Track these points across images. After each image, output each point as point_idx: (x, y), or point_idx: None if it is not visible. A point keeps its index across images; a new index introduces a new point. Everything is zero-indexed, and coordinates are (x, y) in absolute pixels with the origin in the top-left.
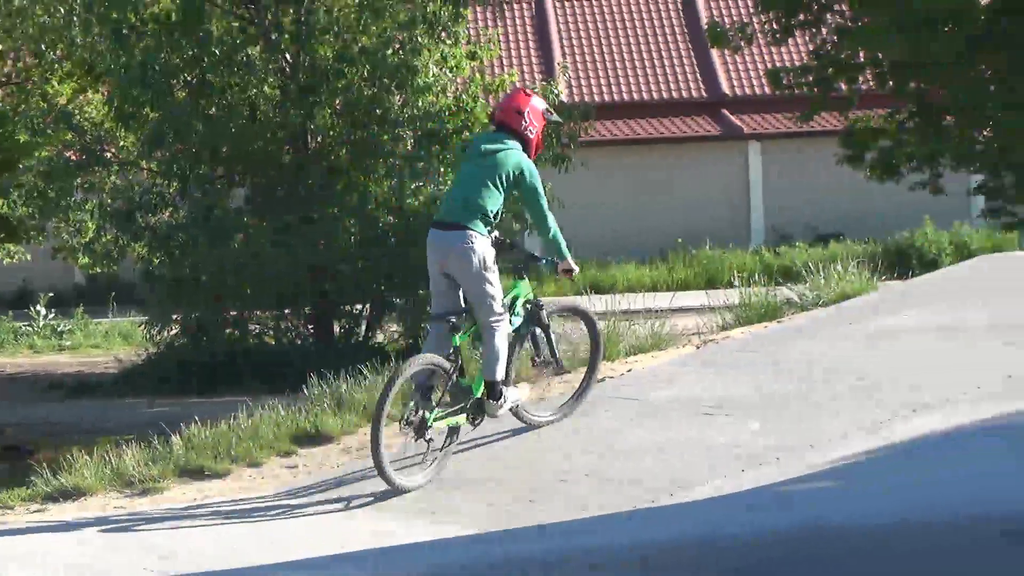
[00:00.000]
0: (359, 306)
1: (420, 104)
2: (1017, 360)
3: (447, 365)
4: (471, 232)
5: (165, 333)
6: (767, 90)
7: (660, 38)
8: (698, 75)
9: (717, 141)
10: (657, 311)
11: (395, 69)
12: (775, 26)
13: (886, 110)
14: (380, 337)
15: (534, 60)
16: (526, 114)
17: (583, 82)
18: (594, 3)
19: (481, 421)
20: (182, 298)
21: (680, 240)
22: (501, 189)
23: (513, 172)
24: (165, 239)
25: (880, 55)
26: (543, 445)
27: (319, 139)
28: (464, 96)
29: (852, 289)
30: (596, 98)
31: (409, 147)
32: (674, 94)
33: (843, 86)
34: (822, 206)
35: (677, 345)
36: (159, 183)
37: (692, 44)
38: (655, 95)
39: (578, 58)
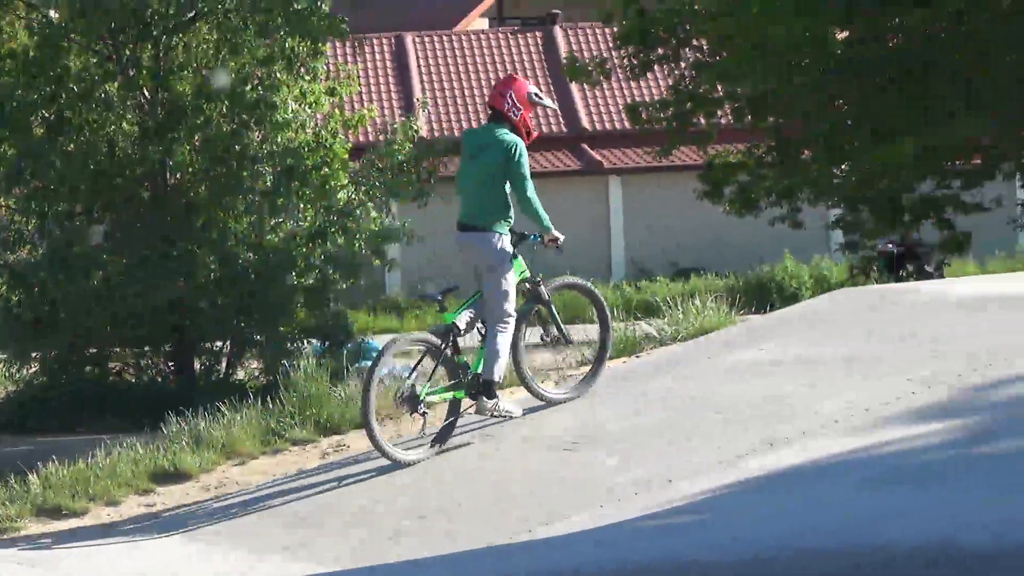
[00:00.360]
0: (219, 343)
1: (279, 140)
2: (874, 394)
3: (436, 341)
4: (487, 233)
5: (24, 371)
6: (627, 125)
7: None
8: (558, 110)
9: (577, 176)
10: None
11: (254, 105)
12: (633, 61)
13: (745, 144)
14: (241, 374)
15: (394, 96)
16: (508, 96)
17: (443, 117)
18: (454, 39)
19: (481, 399)
20: (41, 336)
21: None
22: (503, 176)
23: (508, 154)
24: (23, 277)
25: (738, 89)
26: (408, 480)
27: (178, 175)
28: (323, 132)
29: (711, 323)
30: (457, 133)
31: (268, 183)
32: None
33: (702, 120)
34: (682, 240)
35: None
36: (17, 220)
37: (552, 79)
38: None
39: (438, 93)
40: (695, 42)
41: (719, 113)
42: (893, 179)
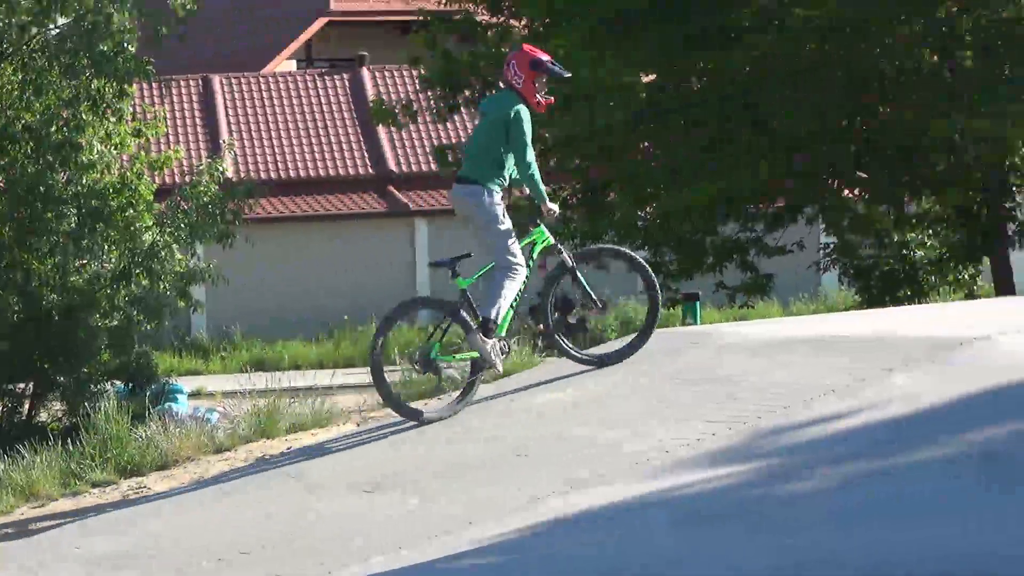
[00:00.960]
0: (22, 385)
1: (84, 181)
2: (674, 435)
3: (445, 306)
4: (480, 187)
5: None
6: (434, 167)
7: (328, 115)
8: (365, 152)
9: (384, 218)
10: (320, 388)
11: (59, 146)
12: (440, 104)
13: (551, 186)
14: (44, 416)
15: (201, 137)
16: (511, 65)
17: (250, 159)
18: (261, 81)
19: (476, 335)
20: None
21: (347, 317)
22: (504, 140)
23: (507, 119)
24: None
25: (543, 132)
26: (196, 521)
27: None
28: (129, 173)
29: (514, 365)
30: (264, 175)
31: (73, 224)
32: (341, 171)
33: None
34: None
35: (338, 423)
36: None
37: (360, 121)
38: (323, 172)
39: (245, 135)
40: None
41: None
42: (696, 222)
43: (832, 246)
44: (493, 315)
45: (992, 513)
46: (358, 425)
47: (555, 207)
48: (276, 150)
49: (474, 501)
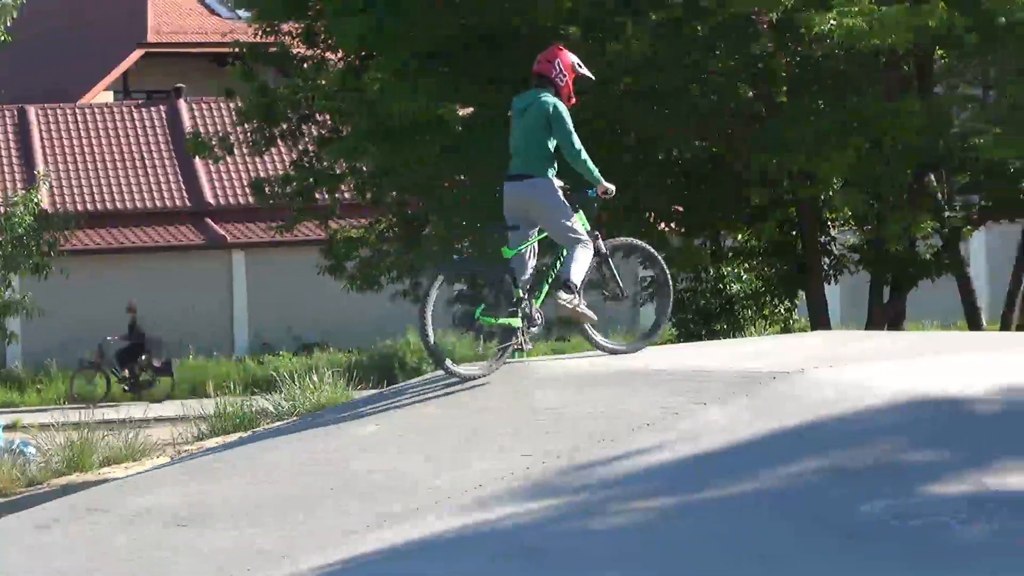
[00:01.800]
0: None
1: None
2: (490, 468)
3: (491, 272)
4: (537, 179)
5: None
6: (251, 199)
7: (145, 147)
8: (182, 184)
9: (201, 250)
10: (135, 421)
11: None
12: (257, 137)
13: (368, 219)
14: None
15: (16, 168)
16: (555, 64)
17: (67, 190)
18: (78, 112)
19: (559, 293)
20: None
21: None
22: (547, 133)
23: (548, 113)
24: None
25: (359, 165)
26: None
27: None
28: None
29: (327, 398)
30: (80, 206)
31: None
32: (158, 203)
33: (325, 195)
34: (306, 315)
35: (152, 456)
36: None
37: (177, 153)
38: (139, 204)
39: (62, 166)
40: (318, 117)
41: (342, 188)
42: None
43: (649, 280)
44: (573, 277)
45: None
46: (172, 459)
47: (611, 187)
48: (93, 181)
49: (290, 535)
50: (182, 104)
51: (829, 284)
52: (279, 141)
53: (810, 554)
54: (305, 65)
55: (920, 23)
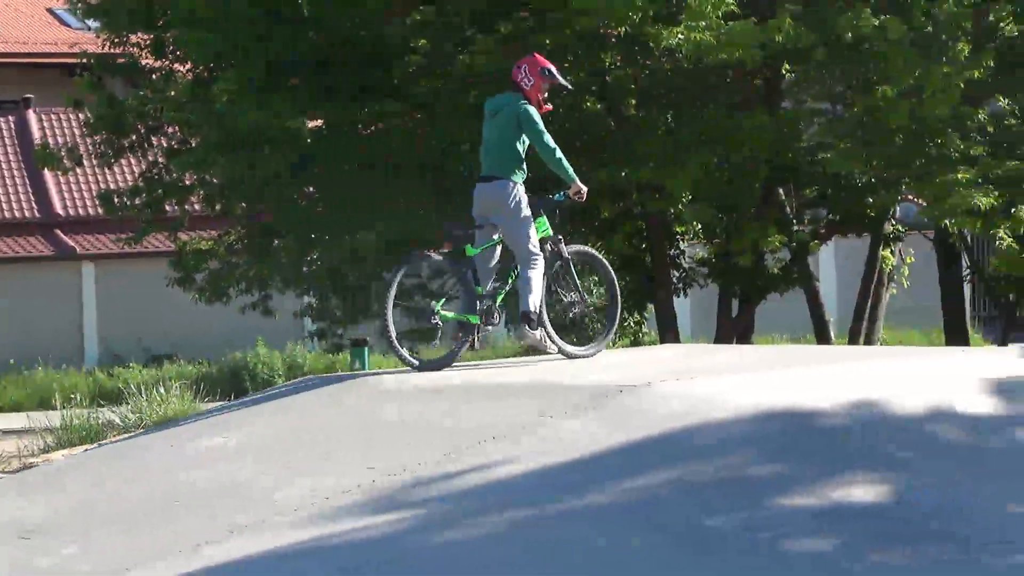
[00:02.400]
0: None
1: None
2: (336, 481)
3: (454, 267)
4: (503, 180)
5: None
6: (100, 211)
7: None
8: (31, 195)
9: (50, 261)
10: None
11: None
12: (105, 148)
13: (217, 231)
14: None
15: None
16: (523, 69)
17: None
18: None
19: (522, 328)
20: None
21: (12, 361)
22: (517, 135)
23: (518, 115)
24: None
25: (208, 176)
26: None
27: None
28: None
29: (175, 410)
30: None
31: None
32: (6, 214)
33: (175, 207)
34: (156, 327)
35: None
36: None
37: (25, 164)
38: None
39: None
40: (167, 129)
41: (191, 199)
42: (361, 268)
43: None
44: (531, 308)
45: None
46: (16, 471)
47: (584, 187)
48: None
49: (134, 548)
50: (31, 114)
51: (678, 297)
52: (128, 153)
53: (660, 566)
54: (154, 76)
55: (768, 38)
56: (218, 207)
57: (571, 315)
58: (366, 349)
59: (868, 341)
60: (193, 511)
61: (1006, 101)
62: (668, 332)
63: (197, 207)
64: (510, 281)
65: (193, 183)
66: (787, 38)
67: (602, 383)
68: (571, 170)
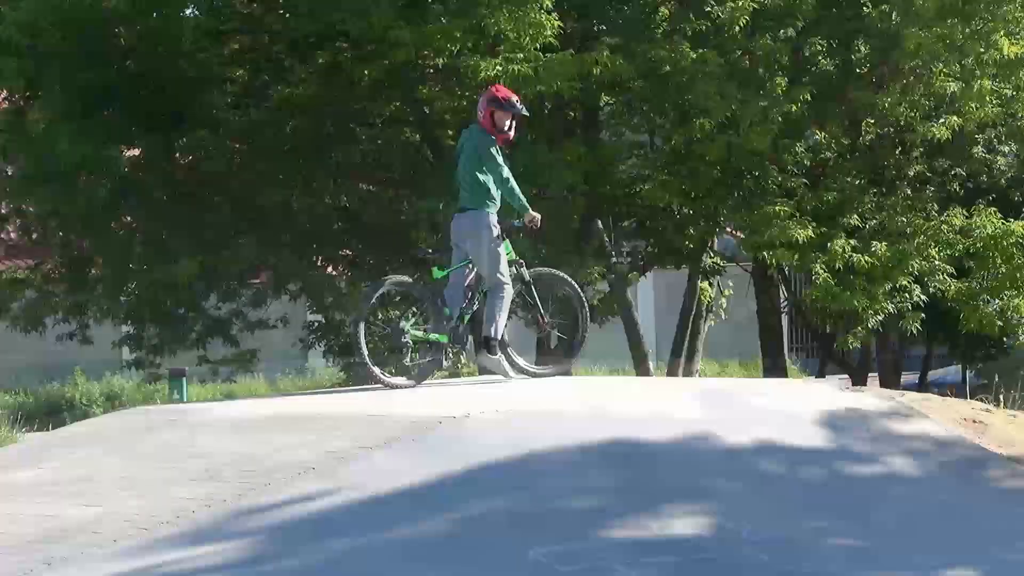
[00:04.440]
0: None
1: None
2: (156, 512)
3: (422, 289)
4: (476, 211)
5: None
6: None
7: None
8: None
9: None
10: None
11: None
12: None
13: (33, 261)
14: None
15: None
16: (479, 103)
17: None
18: None
19: (482, 353)
20: None
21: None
22: (477, 167)
23: (476, 148)
24: None
25: (25, 206)
26: None
27: None
28: None
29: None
30: None
31: None
32: None
33: None
34: None
35: None
36: None
37: None
38: None
39: None
40: None
41: (8, 228)
42: (180, 297)
43: (317, 323)
44: (492, 333)
45: None
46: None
47: (537, 215)
48: None
49: None
50: None
51: None
52: None
53: None
54: None
55: (586, 70)
56: (34, 236)
57: (538, 335)
58: (184, 380)
59: (687, 372)
60: (7, 545)
61: (822, 135)
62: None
63: (13, 235)
64: (475, 305)
65: (8, 212)
66: (605, 70)
67: (422, 415)
68: (523, 200)
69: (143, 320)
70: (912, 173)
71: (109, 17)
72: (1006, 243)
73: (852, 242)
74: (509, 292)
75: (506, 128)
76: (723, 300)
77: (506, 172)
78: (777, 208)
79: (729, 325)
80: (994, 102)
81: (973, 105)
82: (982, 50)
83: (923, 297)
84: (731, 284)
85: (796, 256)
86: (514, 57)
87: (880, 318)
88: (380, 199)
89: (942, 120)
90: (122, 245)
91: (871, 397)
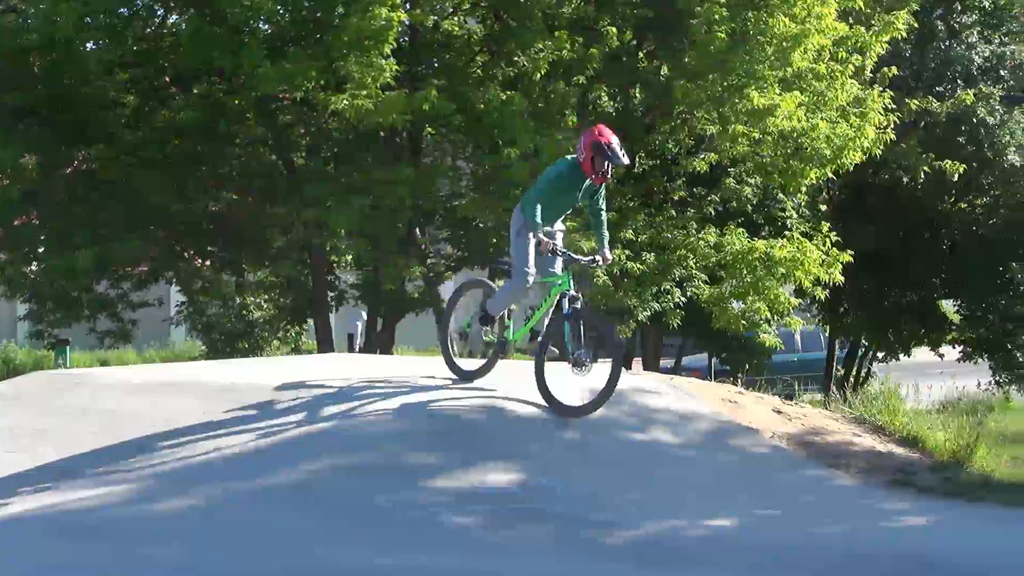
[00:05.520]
0: None
1: None
2: (63, 459)
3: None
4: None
5: None
6: None
7: None
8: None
9: None
10: None
11: None
12: None
13: None
14: None
15: None
16: (582, 140)
17: None
18: None
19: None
20: None
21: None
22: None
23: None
24: None
25: None
26: None
27: None
28: None
29: None
30: None
31: None
32: None
33: None
34: None
35: None
36: None
37: None
38: None
39: None
40: None
41: None
42: (74, 282)
43: (184, 304)
44: (490, 311)
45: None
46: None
47: (543, 238)
48: None
49: None
50: None
51: (333, 313)
52: None
53: (333, 537)
54: None
55: (416, 106)
56: None
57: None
58: (68, 348)
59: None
60: None
61: None
62: (324, 343)
63: None
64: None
65: None
66: (431, 107)
67: (277, 383)
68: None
69: (43, 298)
70: (676, 197)
71: (26, 46)
72: (751, 257)
73: (627, 252)
74: (517, 287)
75: (604, 171)
76: None
77: (529, 199)
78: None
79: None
80: (744, 143)
81: (727, 144)
82: (736, 101)
83: (682, 298)
84: None
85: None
86: (358, 93)
87: (647, 314)
88: (242, 206)
89: (702, 156)
90: (29, 236)
91: (650, 380)
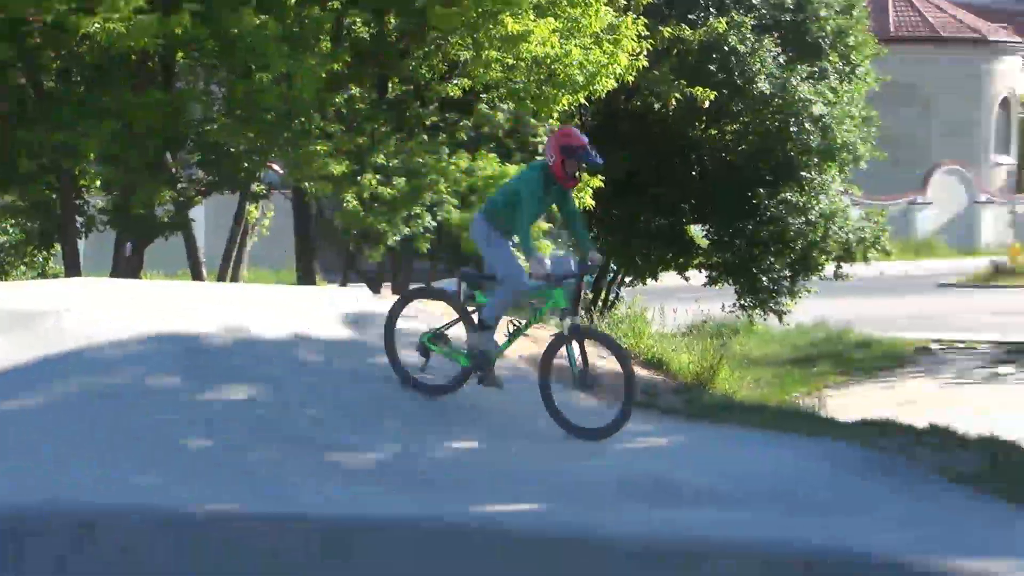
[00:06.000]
0: None
1: None
2: None
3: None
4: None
5: None
6: None
7: None
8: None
9: None
10: None
11: None
12: None
13: None
14: None
15: None
16: (549, 143)
17: None
18: None
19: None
20: None
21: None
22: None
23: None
24: None
25: None
26: None
27: None
28: None
29: None
30: None
31: None
32: None
33: None
34: None
35: None
36: None
37: None
38: None
39: None
40: None
41: None
42: None
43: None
44: (485, 318)
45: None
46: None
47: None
48: None
49: None
50: None
51: (81, 239)
52: None
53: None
54: None
55: (168, 29)
56: None
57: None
58: None
59: (234, 279)
60: None
61: (358, 89)
62: (72, 268)
63: None
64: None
65: None
66: (184, 31)
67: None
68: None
69: None
70: (429, 123)
71: None
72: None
73: (378, 177)
74: (508, 295)
75: (576, 175)
76: (265, 221)
77: (519, 216)
78: (319, 147)
79: (270, 241)
80: (497, 68)
81: (481, 70)
82: (491, 27)
83: (432, 223)
84: (274, 208)
85: (332, 187)
86: (111, 16)
87: (397, 239)
88: None
89: (455, 82)
90: None
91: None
